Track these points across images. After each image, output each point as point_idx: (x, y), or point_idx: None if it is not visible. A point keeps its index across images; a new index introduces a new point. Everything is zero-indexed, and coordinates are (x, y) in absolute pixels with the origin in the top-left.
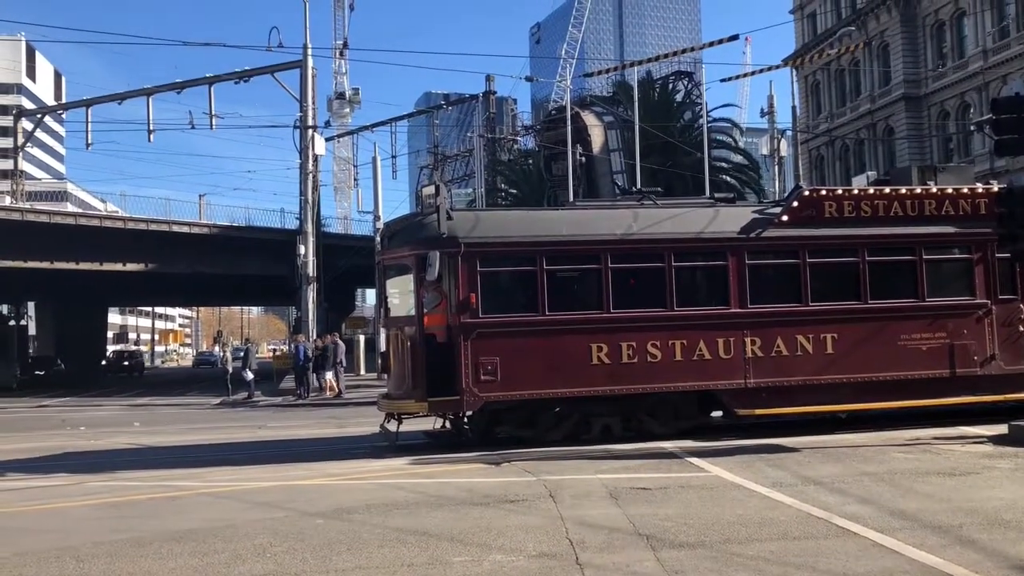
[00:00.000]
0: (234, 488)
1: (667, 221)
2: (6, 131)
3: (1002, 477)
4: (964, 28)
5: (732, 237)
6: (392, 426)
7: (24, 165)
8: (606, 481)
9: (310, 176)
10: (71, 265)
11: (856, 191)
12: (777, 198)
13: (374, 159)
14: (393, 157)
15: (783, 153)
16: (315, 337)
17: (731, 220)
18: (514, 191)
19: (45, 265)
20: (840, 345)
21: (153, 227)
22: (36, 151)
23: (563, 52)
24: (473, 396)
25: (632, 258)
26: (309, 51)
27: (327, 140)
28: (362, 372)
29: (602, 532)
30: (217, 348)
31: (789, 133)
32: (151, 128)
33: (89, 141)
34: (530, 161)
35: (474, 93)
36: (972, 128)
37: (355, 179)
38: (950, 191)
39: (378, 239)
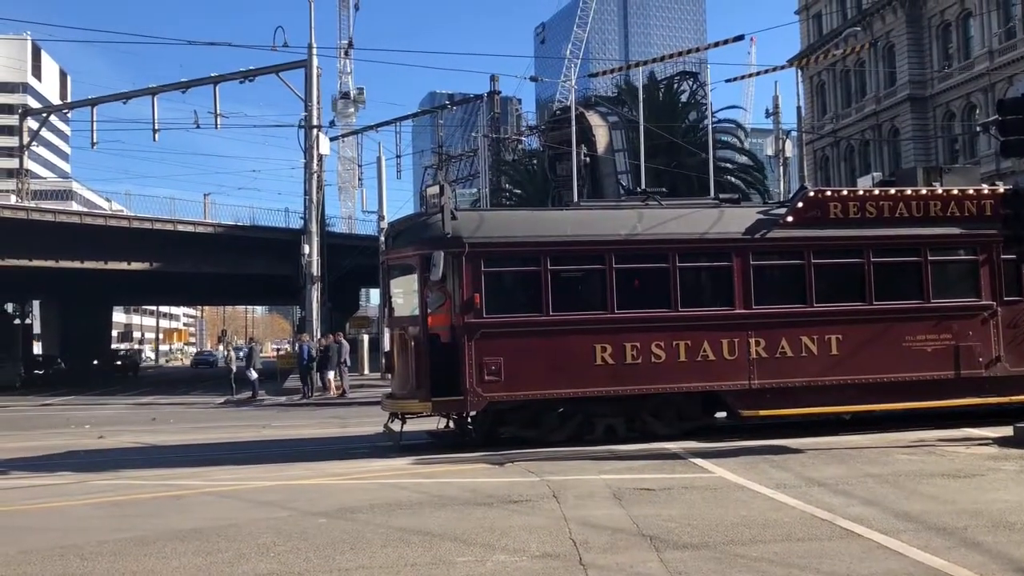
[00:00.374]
0: (237, 487)
1: (672, 221)
2: (12, 130)
3: (1007, 479)
4: (970, 29)
5: (737, 238)
6: (396, 426)
7: (29, 164)
8: (610, 482)
9: (315, 176)
10: (76, 264)
11: (861, 192)
12: (782, 199)
13: (378, 159)
14: (397, 157)
15: (788, 154)
16: (319, 336)
17: (736, 221)
18: (518, 191)
19: (50, 264)
20: (845, 346)
21: (158, 226)
22: (41, 150)
23: (568, 52)
24: (477, 396)
25: (636, 258)
26: (314, 51)
27: (332, 140)
28: (366, 372)
29: (606, 533)
30: (221, 347)
31: (794, 134)
32: (156, 127)
33: (94, 140)
34: (534, 161)
35: (478, 93)
36: (978, 129)
37: (359, 179)
38: (956, 192)
39: (382, 239)
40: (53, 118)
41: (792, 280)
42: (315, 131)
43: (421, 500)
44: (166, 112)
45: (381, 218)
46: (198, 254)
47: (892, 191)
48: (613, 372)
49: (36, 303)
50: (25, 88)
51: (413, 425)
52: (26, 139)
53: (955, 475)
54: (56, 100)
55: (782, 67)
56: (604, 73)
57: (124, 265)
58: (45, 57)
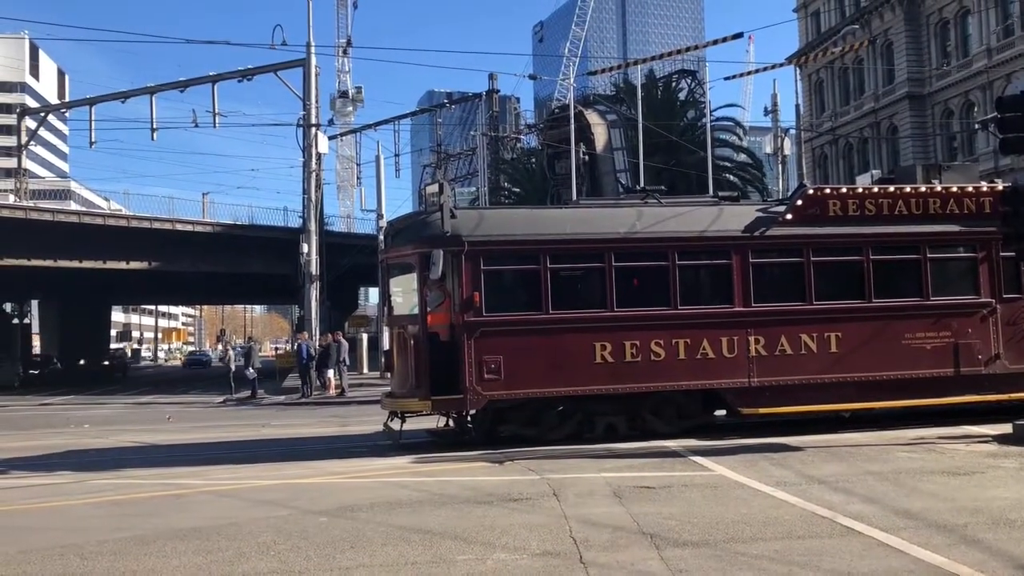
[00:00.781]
0: (237, 486)
1: (671, 220)
2: (10, 129)
3: (1007, 476)
4: (968, 27)
5: (736, 236)
6: (395, 424)
7: (28, 163)
8: (610, 480)
9: (313, 174)
10: (74, 263)
11: (860, 189)
12: (781, 197)
13: (377, 157)
14: (396, 155)
15: (787, 152)
16: (317, 336)
17: (735, 219)
18: (517, 190)
19: (48, 263)
20: (844, 344)
21: (156, 225)
22: (40, 149)
23: (566, 50)
24: (476, 395)
25: (636, 257)
26: (312, 49)
27: (330, 139)
28: (365, 371)
29: (606, 531)
30: (220, 347)
31: (793, 132)
32: (155, 126)
33: (93, 139)
34: (533, 160)
35: (477, 92)
36: (976, 127)
37: (358, 178)
38: (955, 190)
39: (381, 237)
40: (51, 117)
41: (791, 278)
42: (314, 130)
43: (421, 499)
44: (164, 111)
45: (380, 217)
46: (197, 253)
47: (891, 189)
48: (613, 370)
49: (35, 303)
50: (23, 87)
51: (413, 424)
52: (24, 138)
53: (955, 473)
54: (54, 99)
55: (780, 65)
56: (603, 71)
57: (123, 264)
58: (43, 56)
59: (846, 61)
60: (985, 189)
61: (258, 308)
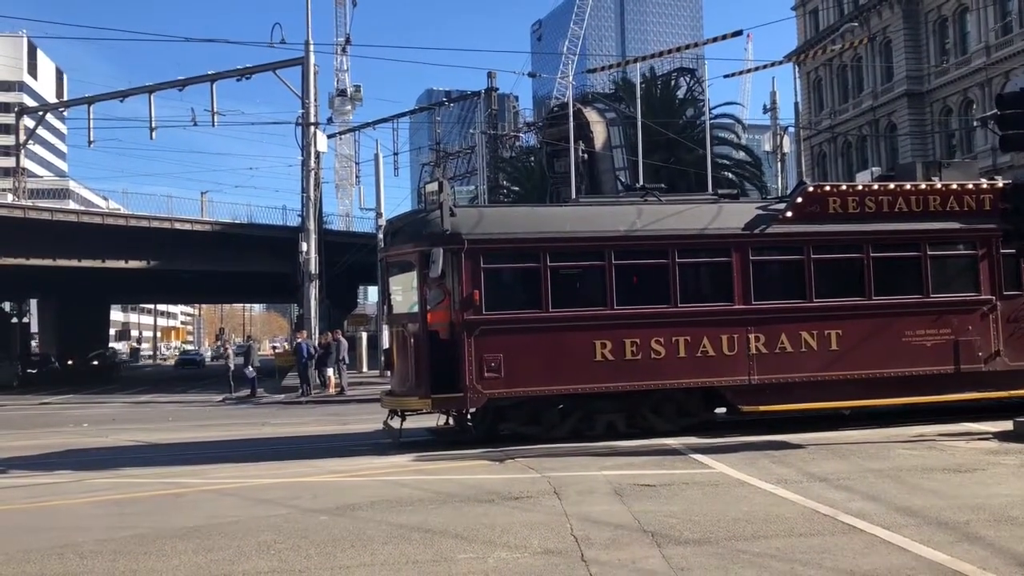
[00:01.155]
0: (237, 485)
1: (671, 217)
2: (8, 129)
3: (1008, 473)
4: (967, 24)
5: (736, 233)
6: (395, 423)
7: (26, 163)
8: (611, 478)
9: (312, 173)
10: (73, 263)
11: (860, 187)
12: (780, 194)
13: (376, 156)
14: (395, 154)
15: (786, 150)
16: (316, 334)
17: (735, 216)
18: (516, 188)
19: (47, 262)
20: (844, 341)
21: (155, 224)
22: (38, 149)
23: (565, 48)
24: (477, 393)
25: (636, 254)
26: (311, 48)
27: (329, 137)
28: (364, 369)
29: (607, 529)
30: (218, 344)
31: (792, 130)
32: (153, 125)
33: (91, 138)
34: (532, 158)
35: (476, 90)
36: (976, 124)
37: (357, 176)
38: (955, 187)
39: (381, 236)
40: (49, 116)
41: (791, 275)
42: (312, 129)
43: (422, 497)
44: (163, 110)
45: (379, 215)
46: (196, 252)
47: (891, 186)
48: (613, 368)
49: (34, 302)
50: (21, 87)
51: (413, 422)
52: (22, 138)
53: (956, 470)
54: (52, 98)
55: (779, 63)
56: (602, 69)
57: (121, 264)
58: (41, 55)
59: (845, 59)
60: (985, 186)
61: (257, 307)
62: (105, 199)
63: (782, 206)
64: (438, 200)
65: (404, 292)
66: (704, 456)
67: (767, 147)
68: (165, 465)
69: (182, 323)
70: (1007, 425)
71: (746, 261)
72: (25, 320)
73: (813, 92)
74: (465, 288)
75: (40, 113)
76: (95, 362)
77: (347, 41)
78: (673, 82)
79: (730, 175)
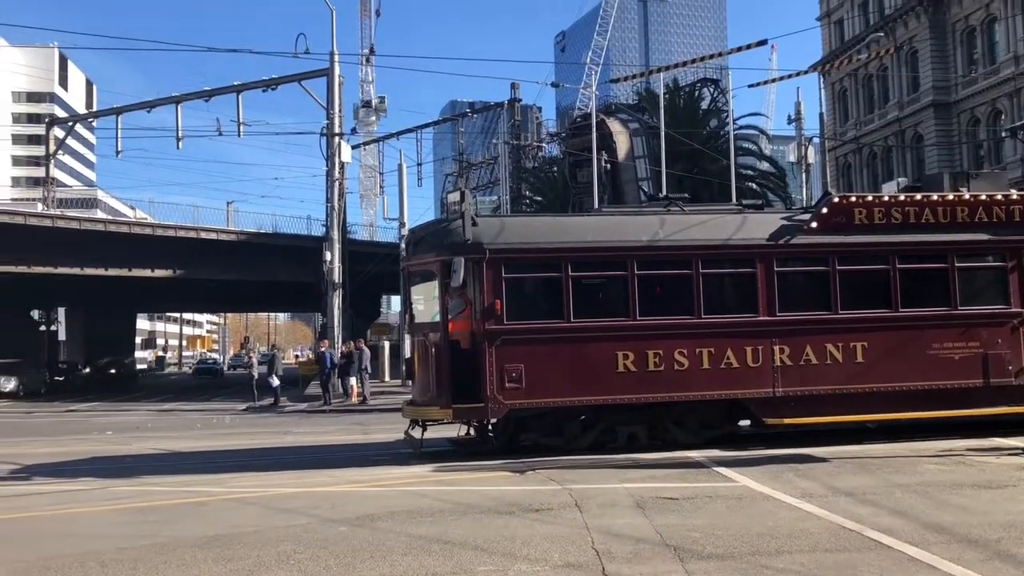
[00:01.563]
0: (258, 494)
1: (694, 227)
2: (39, 139)
3: None
4: (995, 34)
5: (760, 244)
6: (416, 433)
7: (55, 172)
8: (632, 490)
9: (336, 183)
10: (100, 271)
11: (887, 198)
12: (805, 205)
13: (400, 166)
14: (419, 164)
15: (810, 160)
16: (340, 343)
17: (759, 227)
18: (539, 198)
19: (75, 271)
20: (870, 354)
21: (181, 234)
22: (67, 159)
23: (588, 59)
24: (498, 403)
25: (659, 265)
26: (336, 58)
27: (353, 148)
28: (387, 378)
29: (629, 542)
30: (240, 354)
31: (816, 140)
32: (180, 135)
33: (119, 148)
34: (555, 168)
35: (499, 101)
36: (1004, 134)
37: (381, 186)
38: (983, 197)
39: (403, 245)
40: (78, 127)
41: (816, 287)
42: (337, 139)
43: (442, 508)
44: (190, 120)
45: (402, 225)
46: (221, 261)
47: (918, 196)
48: (635, 379)
49: (61, 310)
50: (52, 98)
51: (434, 432)
52: (52, 148)
53: (986, 486)
54: (82, 109)
55: (804, 73)
56: (625, 79)
57: (148, 272)
58: (72, 67)
59: (870, 69)
60: (1015, 197)
61: (281, 316)
62: (132, 208)
63: (807, 217)
64: (460, 210)
65: (426, 301)
66: (727, 469)
67: (791, 158)
68: (187, 473)
69: (207, 332)
70: None
71: (771, 272)
72: (53, 328)
73: (838, 102)
74: (486, 298)
75: (70, 124)
76: (112, 370)
77: (371, 52)
78: (697, 92)
79: (754, 186)
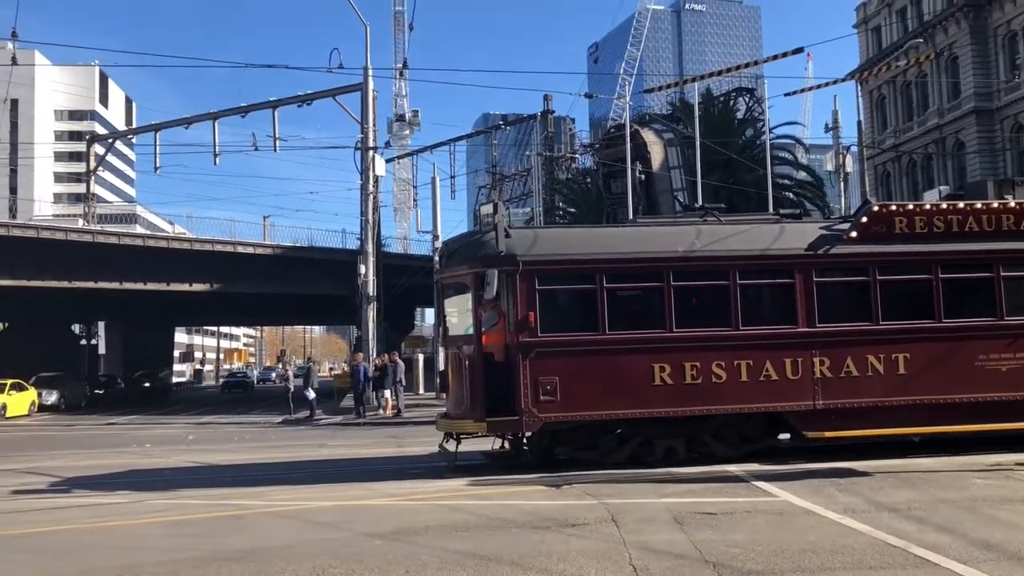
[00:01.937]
0: (294, 507)
1: (731, 238)
2: (80, 156)
3: None
4: None
5: (799, 254)
6: (451, 446)
7: (96, 189)
8: (670, 505)
9: (371, 197)
10: (139, 285)
11: (928, 206)
12: (844, 214)
13: (433, 179)
14: (452, 177)
15: (848, 169)
16: (374, 356)
17: (798, 237)
18: (572, 210)
19: (115, 286)
20: (913, 365)
21: (218, 248)
22: (108, 175)
23: (621, 70)
24: (532, 416)
25: (695, 276)
26: (370, 73)
27: (387, 161)
28: (421, 391)
29: (667, 558)
30: (269, 367)
31: (854, 149)
32: (217, 151)
33: (157, 164)
34: (588, 180)
35: (532, 113)
36: None
37: (414, 199)
38: None
39: (437, 258)
40: (118, 144)
41: (857, 297)
42: (371, 153)
43: (477, 523)
44: (226, 136)
45: (436, 238)
46: (258, 275)
47: (961, 204)
48: (672, 392)
49: (101, 324)
50: (93, 115)
51: (468, 445)
52: (93, 164)
53: None
54: (122, 126)
55: (842, 80)
56: (659, 89)
57: (186, 286)
58: (112, 85)
59: (909, 76)
60: None
61: (317, 329)
62: (171, 223)
63: (846, 226)
64: (493, 222)
65: (459, 314)
66: (767, 483)
67: (829, 167)
68: (224, 486)
69: (244, 345)
70: None
71: (810, 282)
72: (93, 342)
73: (876, 110)
74: (520, 310)
75: (110, 141)
76: (146, 383)
77: (404, 66)
78: (732, 102)
79: (791, 195)
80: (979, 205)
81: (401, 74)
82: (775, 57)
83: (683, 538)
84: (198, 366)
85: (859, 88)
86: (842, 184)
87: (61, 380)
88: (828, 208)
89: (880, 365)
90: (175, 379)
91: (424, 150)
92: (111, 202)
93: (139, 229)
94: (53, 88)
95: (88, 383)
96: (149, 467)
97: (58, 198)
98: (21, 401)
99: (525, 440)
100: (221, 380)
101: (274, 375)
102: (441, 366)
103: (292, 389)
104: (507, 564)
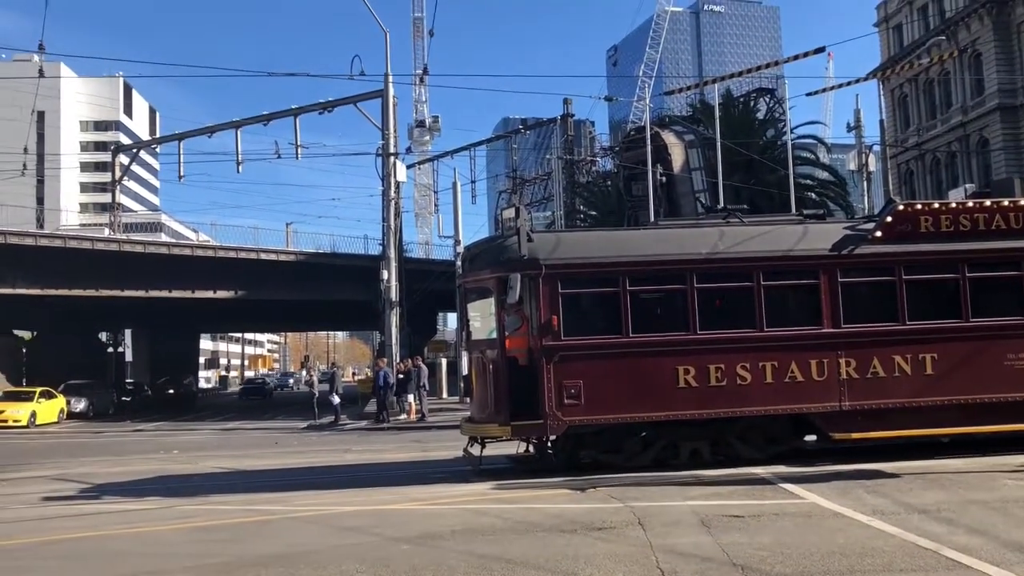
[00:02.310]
0: (320, 512)
1: (755, 239)
2: (105, 166)
3: None
4: None
5: (823, 254)
6: (475, 450)
7: (121, 198)
8: (696, 508)
9: (392, 203)
10: (164, 293)
11: (954, 204)
12: (867, 214)
13: (454, 184)
14: (472, 182)
15: (871, 168)
16: (398, 361)
17: (821, 237)
18: (593, 213)
19: (140, 294)
20: (940, 365)
21: (242, 255)
22: (132, 184)
23: (640, 72)
24: (556, 420)
25: (719, 277)
26: (390, 80)
27: (408, 167)
28: (444, 396)
29: (694, 561)
30: (304, 373)
31: (877, 148)
32: (240, 159)
33: (181, 173)
34: (609, 183)
35: (552, 117)
36: None
37: (435, 204)
38: None
39: (459, 263)
40: (143, 153)
41: (883, 297)
42: (392, 159)
43: (503, 526)
44: (249, 144)
45: (457, 242)
46: (281, 282)
47: (987, 203)
48: (697, 395)
49: (128, 332)
50: (117, 126)
51: (493, 449)
52: (118, 174)
53: None
54: (146, 136)
55: (863, 79)
56: (679, 91)
57: (210, 294)
58: (136, 95)
59: (931, 74)
60: None
61: (340, 335)
62: (195, 231)
63: (871, 226)
64: (515, 226)
65: (482, 318)
66: (794, 485)
67: (851, 166)
68: (251, 492)
69: (268, 351)
70: None
71: (835, 283)
72: (120, 349)
73: (898, 109)
74: (543, 314)
75: (134, 150)
76: (170, 390)
77: (424, 72)
78: (752, 103)
79: (813, 195)
80: (1006, 203)
81: (421, 80)
82: (795, 57)
83: (710, 541)
84: (223, 372)
85: (881, 87)
86: (865, 183)
87: (89, 388)
88: (851, 208)
89: (907, 366)
90: (202, 385)
91: (445, 155)
92: (136, 211)
93: (164, 237)
94: (78, 99)
95: (115, 390)
96: (177, 473)
97: (84, 208)
98: (50, 409)
99: (549, 444)
100: (239, 387)
101: (292, 381)
102: (464, 370)
103: (317, 394)
104: (533, 568)
